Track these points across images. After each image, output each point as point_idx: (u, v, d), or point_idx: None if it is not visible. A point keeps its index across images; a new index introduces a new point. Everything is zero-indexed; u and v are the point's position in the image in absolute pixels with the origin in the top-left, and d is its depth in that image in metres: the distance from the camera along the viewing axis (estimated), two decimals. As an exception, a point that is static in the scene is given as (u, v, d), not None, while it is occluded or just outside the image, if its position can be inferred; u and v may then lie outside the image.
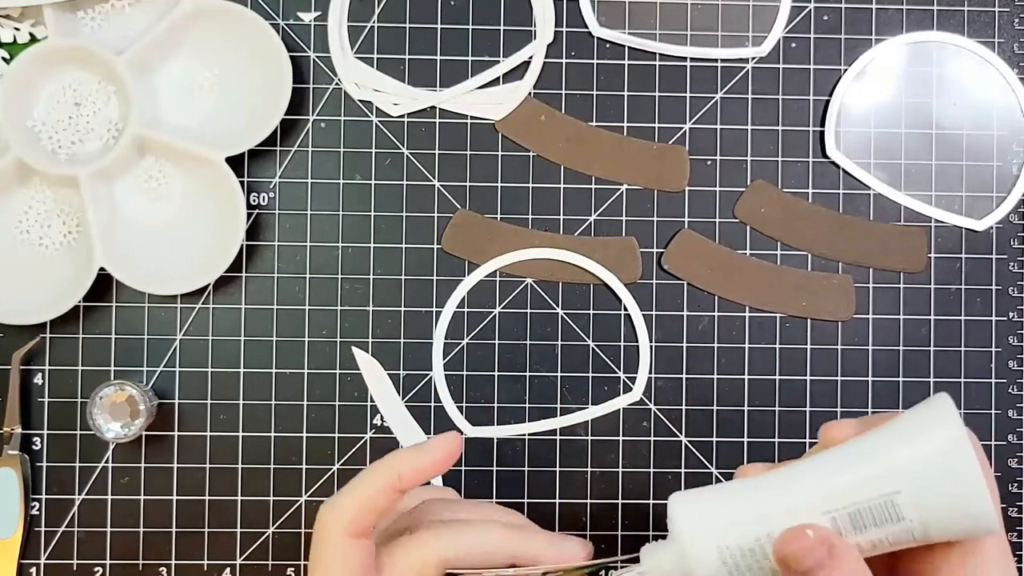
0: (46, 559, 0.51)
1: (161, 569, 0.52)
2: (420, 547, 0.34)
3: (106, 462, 0.52)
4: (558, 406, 0.52)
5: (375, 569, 0.33)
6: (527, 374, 0.52)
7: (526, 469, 0.52)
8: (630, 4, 0.53)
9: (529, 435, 0.52)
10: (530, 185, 0.53)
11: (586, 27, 0.53)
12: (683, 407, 0.53)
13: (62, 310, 0.49)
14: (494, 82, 0.53)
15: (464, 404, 0.52)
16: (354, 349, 0.52)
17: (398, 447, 0.52)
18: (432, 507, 0.37)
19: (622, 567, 0.32)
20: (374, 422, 0.52)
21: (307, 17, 0.53)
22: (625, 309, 0.53)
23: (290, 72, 0.50)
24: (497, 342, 0.52)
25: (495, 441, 0.52)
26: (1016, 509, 0.53)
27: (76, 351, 0.52)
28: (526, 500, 0.52)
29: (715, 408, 0.53)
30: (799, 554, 0.28)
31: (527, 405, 0.52)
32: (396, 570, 0.33)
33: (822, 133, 0.53)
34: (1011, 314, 0.53)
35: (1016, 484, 0.53)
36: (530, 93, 0.53)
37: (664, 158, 0.53)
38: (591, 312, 0.53)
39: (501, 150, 0.53)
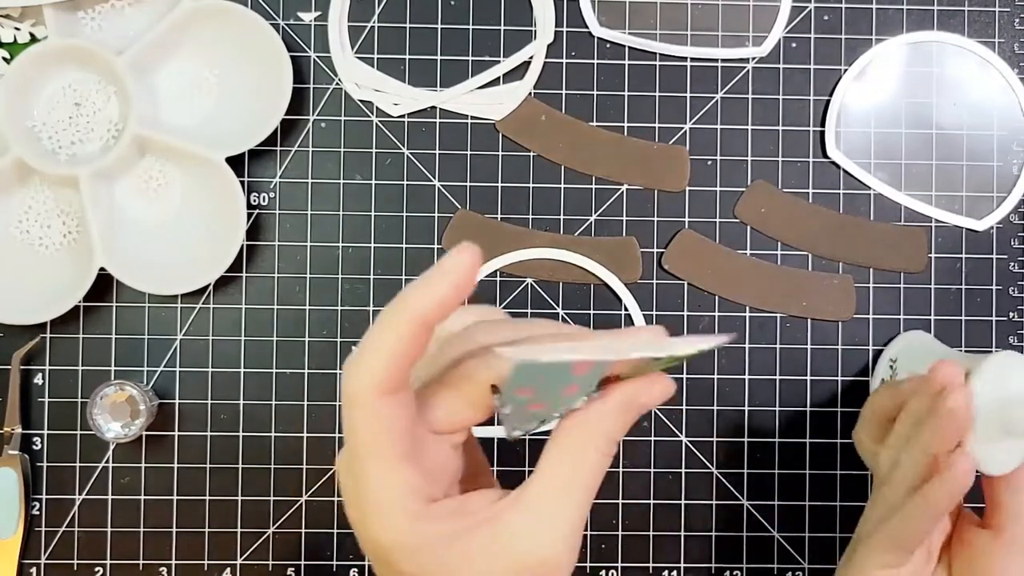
0: (46, 559, 0.51)
1: (161, 569, 0.52)
2: (468, 381, 0.29)
3: (106, 462, 0.52)
4: (558, 406, 0.52)
5: (419, 418, 0.29)
6: (527, 374, 0.52)
7: (526, 469, 0.52)
8: (630, 4, 0.53)
9: (529, 436, 0.52)
10: (530, 185, 0.53)
11: (586, 27, 0.53)
12: (683, 407, 0.53)
13: (62, 310, 0.49)
14: (494, 82, 0.53)
15: (464, 404, 0.52)
16: (354, 349, 0.52)
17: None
18: (476, 334, 0.31)
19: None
20: (374, 422, 0.52)
21: (307, 17, 0.53)
22: (625, 309, 0.53)
23: (290, 72, 0.50)
24: (497, 342, 0.52)
25: (495, 441, 0.52)
26: (1016, 509, 0.53)
27: (76, 351, 0.52)
28: (526, 500, 0.52)
29: (715, 408, 0.53)
30: None
31: (527, 405, 0.52)
32: (445, 412, 0.30)
33: (822, 133, 0.53)
34: (1011, 314, 0.53)
35: (1016, 484, 0.53)
36: (530, 93, 0.53)
37: (664, 158, 0.53)
38: (591, 312, 0.53)
39: (501, 150, 0.53)
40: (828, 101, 0.53)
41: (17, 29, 0.51)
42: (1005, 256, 0.54)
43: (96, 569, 0.52)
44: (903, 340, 0.52)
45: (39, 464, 0.52)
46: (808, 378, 0.53)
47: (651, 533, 0.52)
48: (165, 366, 0.52)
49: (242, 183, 0.50)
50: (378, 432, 0.28)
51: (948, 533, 0.43)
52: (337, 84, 0.52)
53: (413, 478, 0.28)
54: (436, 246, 0.52)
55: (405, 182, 0.53)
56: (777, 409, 0.53)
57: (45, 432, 0.52)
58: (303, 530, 0.52)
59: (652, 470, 0.53)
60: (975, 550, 0.42)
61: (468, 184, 0.53)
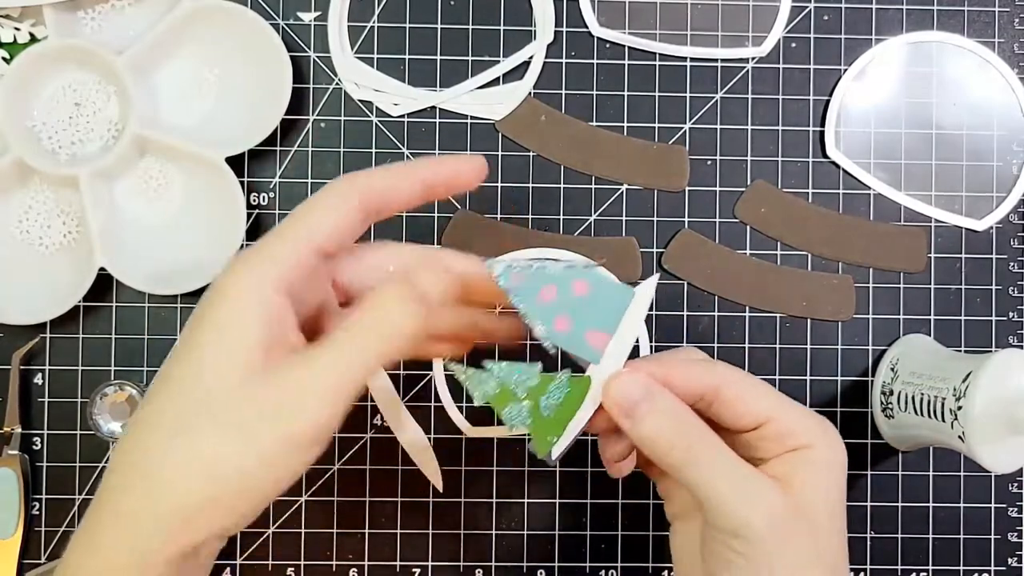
0: (46, 559, 0.51)
1: (161, 569, 0.52)
2: None
3: (106, 462, 0.52)
4: (558, 406, 0.52)
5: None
6: (527, 374, 0.52)
7: (526, 469, 0.52)
8: (630, 4, 0.53)
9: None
10: (530, 185, 0.53)
11: (586, 27, 0.53)
12: (683, 407, 0.53)
13: (62, 310, 0.49)
14: (494, 82, 0.53)
15: (464, 404, 0.52)
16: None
17: (398, 447, 0.52)
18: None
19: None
20: (374, 422, 0.52)
21: (307, 17, 0.53)
22: (625, 309, 0.53)
23: (290, 72, 0.50)
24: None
25: (495, 441, 0.52)
26: (1016, 509, 0.53)
27: (76, 351, 0.52)
28: (526, 500, 0.52)
29: (715, 408, 0.53)
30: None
31: (527, 405, 0.52)
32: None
33: (822, 133, 0.53)
34: (1011, 314, 0.53)
35: (1016, 484, 0.53)
36: (530, 93, 0.53)
37: (664, 158, 0.53)
38: (591, 312, 0.53)
39: (501, 150, 0.53)
40: (828, 101, 0.53)
41: (17, 29, 0.51)
42: (1005, 256, 0.54)
43: (96, 569, 0.51)
44: (903, 343, 0.52)
45: (39, 464, 0.52)
46: (808, 378, 0.53)
47: (651, 533, 0.52)
48: (165, 366, 0.52)
49: (242, 183, 0.50)
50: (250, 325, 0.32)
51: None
52: (337, 84, 0.52)
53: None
54: (436, 246, 0.52)
55: (405, 182, 0.53)
56: (777, 409, 0.53)
57: (45, 432, 0.52)
58: (303, 530, 0.52)
59: (652, 470, 0.53)
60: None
61: (468, 184, 0.53)
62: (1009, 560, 0.53)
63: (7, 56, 0.51)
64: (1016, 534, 0.53)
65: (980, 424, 0.42)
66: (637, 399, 0.34)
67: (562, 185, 0.53)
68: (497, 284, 0.36)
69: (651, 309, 0.53)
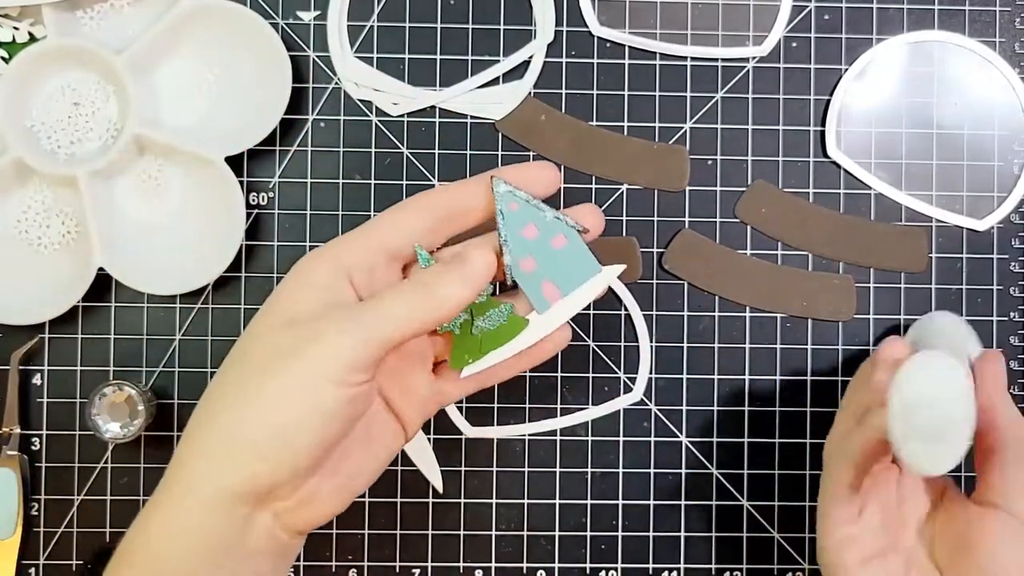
0: (45, 559, 0.51)
1: (160, 569, 0.52)
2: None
3: (105, 462, 0.52)
4: (558, 406, 0.52)
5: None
6: (527, 374, 0.52)
7: (526, 470, 0.52)
8: (630, 3, 0.53)
9: (529, 435, 0.52)
10: (530, 185, 0.53)
11: (586, 26, 0.53)
12: (683, 407, 0.53)
13: (61, 310, 0.49)
14: (494, 82, 0.53)
15: (464, 404, 0.52)
16: None
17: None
18: None
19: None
20: (374, 422, 0.52)
21: (307, 16, 0.52)
22: (625, 309, 0.53)
23: (290, 72, 0.50)
24: (497, 342, 0.52)
25: (495, 441, 0.52)
26: (1017, 509, 0.53)
27: (75, 351, 0.52)
28: (526, 500, 0.52)
29: (715, 408, 0.53)
30: None
31: (527, 405, 0.52)
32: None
33: (823, 133, 0.53)
34: (1012, 314, 0.53)
35: (1017, 484, 0.53)
36: (530, 93, 0.53)
37: (664, 158, 0.53)
38: (591, 312, 0.53)
39: (501, 150, 0.53)
40: (828, 101, 0.53)
41: (16, 28, 0.51)
42: (1006, 256, 0.53)
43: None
44: (922, 324, 0.51)
45: (38, 464, 0.52)
46: (808, 378, 0.53)
47: (651, 534, 0.52)
48: (164, 366, 0.52)
49: (241, 183, 0.50)
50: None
51: (928, 511, 0.45)
52: (336, 83, 0.52)
53: None
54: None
55: (405, 182, 0.53)
56: (777, 409, 0.53)
57: (44, 432, 0.52)
58: (302, 530, 0.52)
59: (652, 470, 0.52)
60: (961, 528, 0.42)
61: (468, 184, 0.52)
62: (1010, 560, 0.53)
63: (6, 56, 0.51)
64: (1017, 534, 0.53)
65: (901, 428, 0.40)
66: None
67: (562, 185, 0.53)
68: (493, 198, 0.38)
69: (651, 309, 0.53)
